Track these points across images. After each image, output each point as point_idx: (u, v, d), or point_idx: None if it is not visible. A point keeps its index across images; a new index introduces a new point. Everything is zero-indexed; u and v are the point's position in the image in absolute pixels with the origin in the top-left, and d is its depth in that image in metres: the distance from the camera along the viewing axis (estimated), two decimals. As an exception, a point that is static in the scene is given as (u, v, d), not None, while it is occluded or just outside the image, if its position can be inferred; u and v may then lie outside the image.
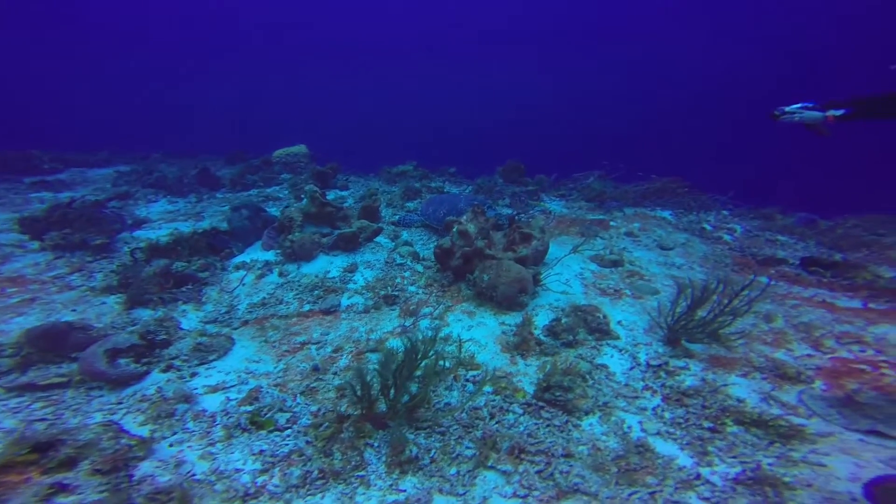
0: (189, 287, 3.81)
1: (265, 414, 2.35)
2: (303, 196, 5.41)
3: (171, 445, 2.22)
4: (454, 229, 4.76)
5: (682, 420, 2.61)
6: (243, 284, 4.12)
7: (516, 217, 5.77)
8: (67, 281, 3.94)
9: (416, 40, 43.26)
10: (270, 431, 2.28)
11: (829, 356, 3.32)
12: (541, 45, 42.52)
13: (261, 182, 7.88)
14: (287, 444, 2.22)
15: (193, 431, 2.31)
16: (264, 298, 3.93)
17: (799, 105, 4.16)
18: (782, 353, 3.37)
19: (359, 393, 2.27)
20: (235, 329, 3.47)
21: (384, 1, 40.37)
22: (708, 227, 6.41)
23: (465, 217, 4.98)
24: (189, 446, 2.21)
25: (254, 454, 2.15)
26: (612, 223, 6.19)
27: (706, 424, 2.55)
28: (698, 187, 7.83)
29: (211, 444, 2.22)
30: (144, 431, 2.31)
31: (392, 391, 2.47)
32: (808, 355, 3.35)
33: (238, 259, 4.62)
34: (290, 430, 2.32)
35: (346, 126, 29.36)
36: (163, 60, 40.93)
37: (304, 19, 41.96)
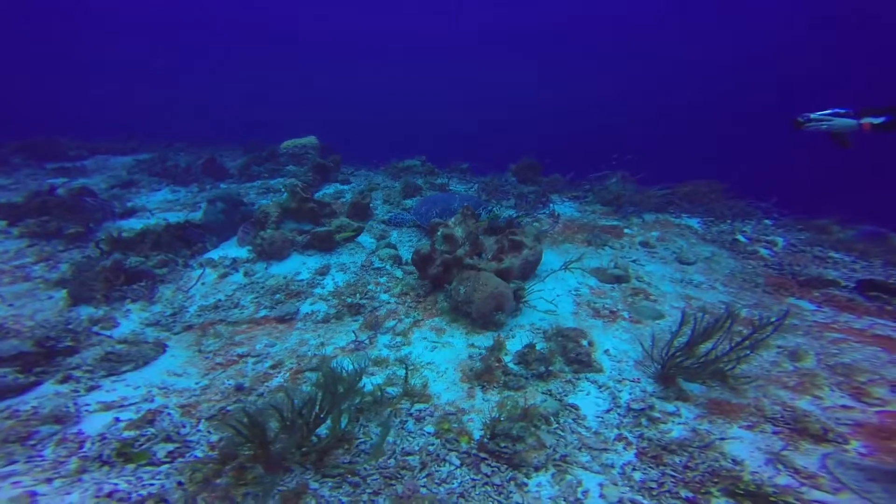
0: (142, 284, 3.60)
1: (142, 444, 2.02)
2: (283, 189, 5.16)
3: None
4: (439, 232, 4.32)
5: (654, 485, 2.08)
6: (202, 283, 3.88)
7: (517, 219, 5.24)
8: (27, 271, 3.84)
9: (447, 37, 42.67)
10: (140, 466, 1.94)
11: (877, 410, 2.63)
12: (581, 43, 40.94)
13: (265, 173, 7.74)
14: (152, 486, 1.86)
15: (41, 462, 1.97)
16: (219, 301, 3.66)
17: (828, 111, 3.73)
18: (806, 401, 2.72)
19: (244, 433, 1.90)
20: (176, 334, 3.21)
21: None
22: (742, 239, 5.58)
23: (453, 220, 4.52)
24: (14, 483, 1.83)
25: (97, 497, 1.78)
26: (626, 230, 5.50)
27: (684, 494, 2.01)
28: (735, 191, 6.90)
29: (48, 481, 1.85)
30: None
31: (302, 429, 2.10)
32: (845, 406, 2.67)
33: (208, 255, 4.40)
34: (165, 467, 1.98)
35: (367, 119, 29.39)
36: (195, 55, 42.89)
37: (337, 14, 42.39)
